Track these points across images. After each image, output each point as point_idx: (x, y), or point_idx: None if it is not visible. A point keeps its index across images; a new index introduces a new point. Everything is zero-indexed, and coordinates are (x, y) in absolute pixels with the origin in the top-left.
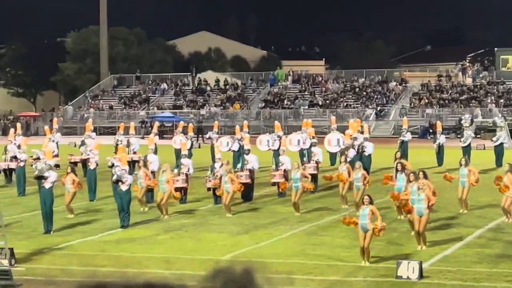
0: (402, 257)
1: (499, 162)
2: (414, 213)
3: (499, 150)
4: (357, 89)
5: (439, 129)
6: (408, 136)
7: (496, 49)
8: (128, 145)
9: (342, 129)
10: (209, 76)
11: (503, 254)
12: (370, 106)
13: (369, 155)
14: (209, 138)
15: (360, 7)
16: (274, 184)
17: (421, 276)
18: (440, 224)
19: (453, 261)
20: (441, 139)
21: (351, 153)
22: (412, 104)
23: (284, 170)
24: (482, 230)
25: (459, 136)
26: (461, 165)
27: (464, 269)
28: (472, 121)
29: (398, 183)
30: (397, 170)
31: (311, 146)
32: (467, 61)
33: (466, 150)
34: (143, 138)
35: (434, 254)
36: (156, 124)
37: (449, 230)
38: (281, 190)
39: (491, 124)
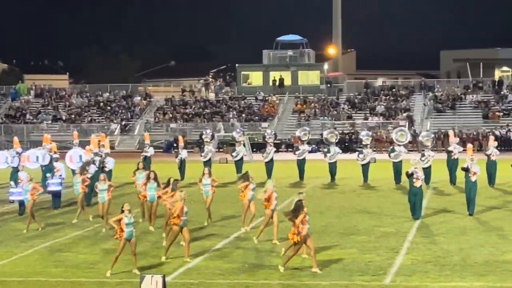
0: (146, 270)
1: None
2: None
3: (239, 164)
4: (102, 103)
5: (181, 144)
6: (150, 151)
7: (237, 65)
8: None
9: (87, 144)
10: None
11: (243, 264)
12: (115, 121)
13: (110, 170)
14: None
15: (105, 20)
16: (13, 201)
17: None
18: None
19: (196, 273)
20: (183, 153)
21: (92, 168)
22: (157, 118)
23: None
24: (224, 242)
25: (201, 150)
26: (204, 174)
27: (207, 281)
28: (213, 136)
29: (150, 193)
30: (148, 178)
31: (51, 161)
32: (210, 76)
33: (207, 164)
34: None
35: (178, 267)
36: None
37: (192, 242)
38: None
39: (231, 139)
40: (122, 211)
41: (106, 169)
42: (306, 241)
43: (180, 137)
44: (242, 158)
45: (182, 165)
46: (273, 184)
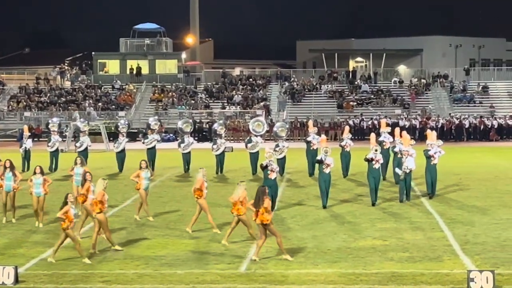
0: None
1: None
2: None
3: (83, 155)
4: None
5: (26, 133)
6: None
7: (93, 53)
8: None
9: None
10: None
11: (98, 255)
12: None
13: None
14: None
15: None
16: None
17: (16, 281)
18: (46, 228)
19: (49, 264)
20: (28, 143)
21: None
22: (10, 107)
23: None
24: (78, 233)
25: (42, 140)
26: (76, 164)
27: (60, 272)
28: (60, 125)
29: (7, 183)
30: (5, 168)
31: None
32: (66, 64)
33: (54, 154)
34: None
35: (30, 259)
36: None
37: (47, 233)
38: None
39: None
40: (66, 203)
41: None
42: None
43: (25, 127)
44: (86, 148)
45: (26, 155)
46: (203, 174)
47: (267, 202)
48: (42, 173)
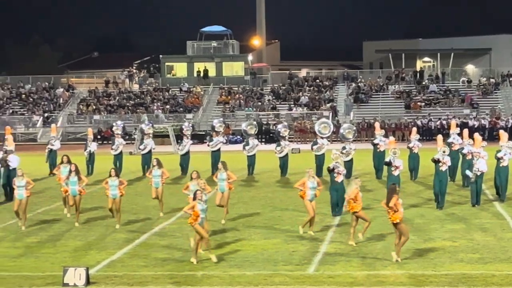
0: (70, 263)
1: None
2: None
3: (147, 158)
4: (24, 95)
5: (90, 136)
6: (56, 145)
7: (161, 56)
8: None
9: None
10: None
11: (168, 257)
12: (37, 113)
13: (14, 168)
14: None
15: (25, 11)
16: None
17: (88, 282)
18: (117, 229)
19: (120, 265)
20: (92, 146)
21: None
22: (80, 110)
23: None
24: (148, 234)
25: (110, 143)
26: (153, 166)
27: (131, 273)
28: (124, 128)
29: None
30: (70, 171)
31: None
32: (134, 67)
33: (118, 158)
34: None
35: (101, 260)
36: None
37: (117, 234)
38: None
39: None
40: (195, 198)
41: (10, 167)
42: (397, 226)
43: (89, 130)
44: (150, 151)
45: (91, 158)
46: (358, 184)
47: (392, 201)
48: (117, 175)
